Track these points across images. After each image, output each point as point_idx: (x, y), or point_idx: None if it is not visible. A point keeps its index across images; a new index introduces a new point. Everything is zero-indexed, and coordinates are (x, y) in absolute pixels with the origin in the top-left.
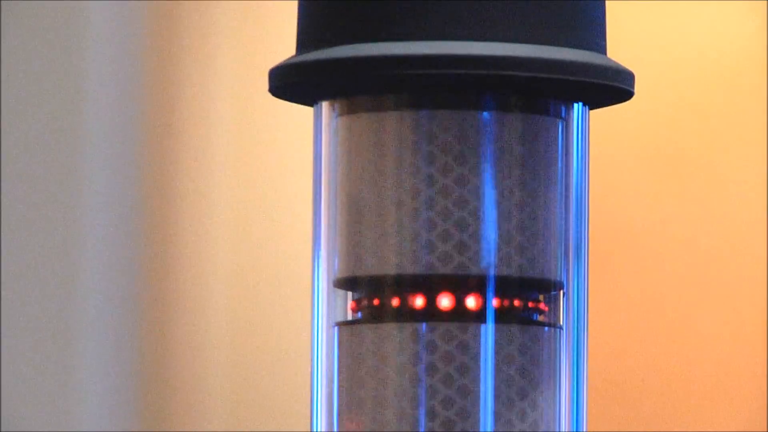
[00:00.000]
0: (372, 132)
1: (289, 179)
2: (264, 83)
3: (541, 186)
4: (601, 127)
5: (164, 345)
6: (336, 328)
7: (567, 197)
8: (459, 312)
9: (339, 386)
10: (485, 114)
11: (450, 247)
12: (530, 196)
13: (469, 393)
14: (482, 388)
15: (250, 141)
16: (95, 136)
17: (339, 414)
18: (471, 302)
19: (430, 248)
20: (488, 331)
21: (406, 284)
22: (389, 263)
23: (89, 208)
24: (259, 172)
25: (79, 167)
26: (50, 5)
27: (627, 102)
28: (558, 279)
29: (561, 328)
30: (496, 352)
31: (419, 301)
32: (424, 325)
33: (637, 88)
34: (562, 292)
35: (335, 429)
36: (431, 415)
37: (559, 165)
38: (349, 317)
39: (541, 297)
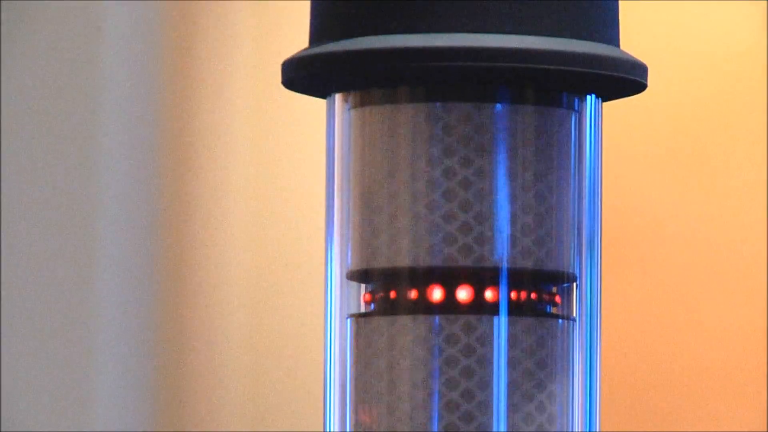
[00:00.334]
0: (386, 124)
1: (304, 172)
2: (278, 77)
3: (555, 178)
4: (611, 122)
5: (179, 333)
6: (349, 319)
7: (580, 188)
8: (477, 304)
9: (352, 377)
10: (498, 106)
11: (471, 240)
12: (546, 187)
13: (487, 385)
14: (499, 381)
15: (264, 134)
16: (111, 132)
17: (352, 405)
18: (489, 294)
19: (450, 241)
20: (505, 323)
21: (423, 276)
22: (406, 256)
23: (106, 204)
24: (273, 165)
25: (96, 162)
26: (65, 4)
27: (635, 96)
28: (571, 271)
29: (574, 320)
30: (514, 345)
31: (437, 294)
32: (441, 318)
33: (648, 82)
34: (575, 284)
35: (348, 419)
36: (451, 407)
37: (573, 157)
38: (362, 309)
39: (554, 289)
